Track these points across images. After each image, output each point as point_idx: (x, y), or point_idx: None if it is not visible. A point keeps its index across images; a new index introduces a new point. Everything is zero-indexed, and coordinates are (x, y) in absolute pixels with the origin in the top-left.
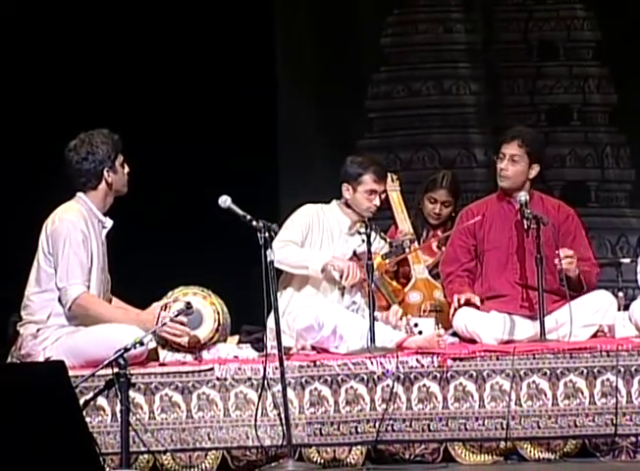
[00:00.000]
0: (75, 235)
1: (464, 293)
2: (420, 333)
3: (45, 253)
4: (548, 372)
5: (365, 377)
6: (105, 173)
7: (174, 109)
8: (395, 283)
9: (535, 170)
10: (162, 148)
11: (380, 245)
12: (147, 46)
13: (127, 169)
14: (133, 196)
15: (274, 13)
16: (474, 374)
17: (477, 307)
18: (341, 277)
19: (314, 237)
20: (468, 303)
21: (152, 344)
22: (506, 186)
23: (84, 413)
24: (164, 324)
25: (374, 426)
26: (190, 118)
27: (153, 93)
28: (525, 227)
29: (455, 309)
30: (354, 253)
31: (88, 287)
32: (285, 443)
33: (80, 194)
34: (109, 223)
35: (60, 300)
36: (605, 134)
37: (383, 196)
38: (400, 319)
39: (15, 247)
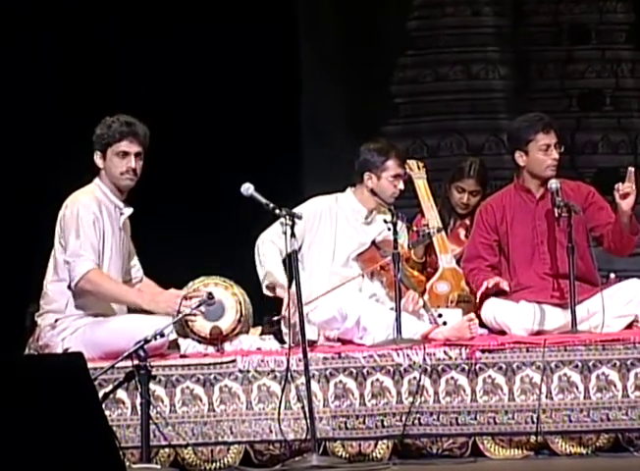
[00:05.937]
0: (85, 215)
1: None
2: (445, 323)
3: (60, 240)
4: (579, 364)
5: (391, 369)
6: (95, 156)
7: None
8: (416, 272)
9: None
10: (184, 137)
11: (403, 235)
12: (171, 35)
13: (130, 163)
14: (160, 183)
15: None
16: (504, 366)
17: (506, 293)
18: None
19: (326, 230)
20: (497, 287)
21: (173, 336)
22: (553, 175)
23: (104, 406)
24: (186, 314)
25: (400, 419)
26: (213, 105)
27: (176, 80)
28: (556, 215)
29: (483, 294)
30: (373, 242)
31: (99, 267)
32: (309, 436)
33: (96, 179)
34: (127, 210)
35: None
36: (638, 120)
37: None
38: (417, 303)
39: (32, 238)
